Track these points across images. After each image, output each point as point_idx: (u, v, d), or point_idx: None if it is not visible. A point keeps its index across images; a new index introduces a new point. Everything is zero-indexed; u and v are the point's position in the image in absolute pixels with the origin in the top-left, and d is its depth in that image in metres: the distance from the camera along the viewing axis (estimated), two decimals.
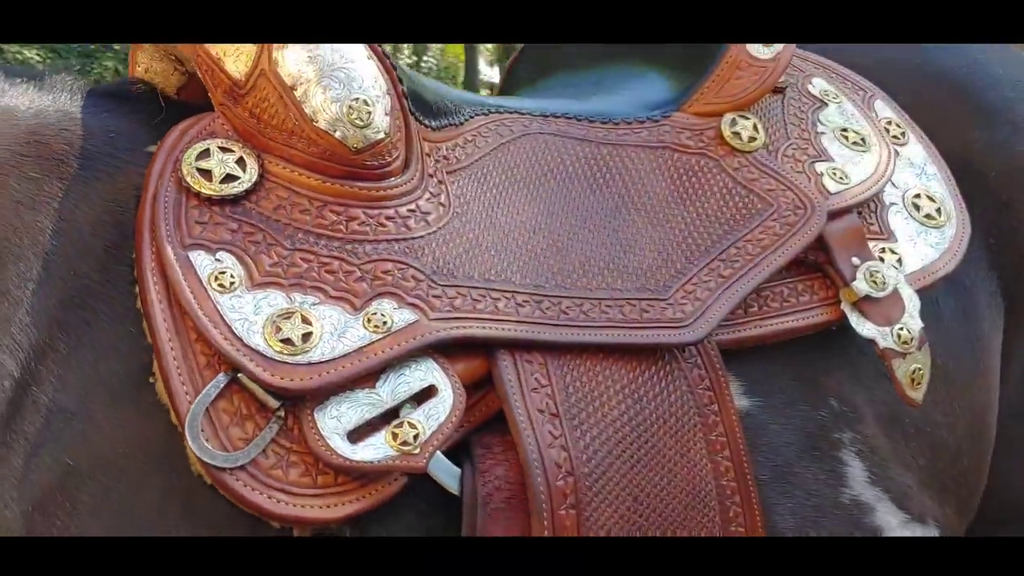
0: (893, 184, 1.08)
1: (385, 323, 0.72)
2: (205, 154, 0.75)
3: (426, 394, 0.72)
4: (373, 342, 0.71)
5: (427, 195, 0.81)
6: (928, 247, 1.05)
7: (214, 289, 0.69)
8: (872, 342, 0.95)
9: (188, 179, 0.73)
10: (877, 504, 0.99)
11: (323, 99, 0.75)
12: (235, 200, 0.74)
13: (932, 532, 1.04)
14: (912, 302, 0.98)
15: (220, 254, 0.71)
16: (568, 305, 0.82)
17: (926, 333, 1.08)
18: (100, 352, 0.70)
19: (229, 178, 0.75)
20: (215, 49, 0.77)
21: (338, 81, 0.76)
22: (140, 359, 0.70)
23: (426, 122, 0.86)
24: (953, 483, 1.08)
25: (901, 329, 0.96)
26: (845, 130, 1.08)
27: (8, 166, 0.73)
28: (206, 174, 0.74)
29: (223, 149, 0.76)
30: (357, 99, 0.76)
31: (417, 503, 0.75)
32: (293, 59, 0.75)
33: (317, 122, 0.75)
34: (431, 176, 0.83)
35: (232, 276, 0.70)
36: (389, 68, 0.81)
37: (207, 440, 0.65)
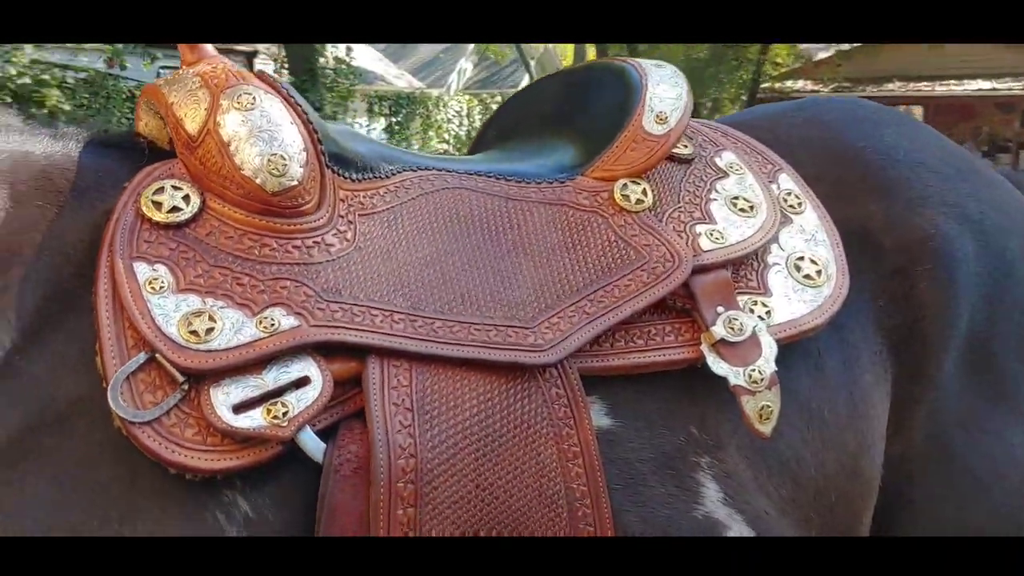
0: (780, 247, 1.25)
1: (273, 325, 0.93)
2: (160, 190, 0.99)
3: (302, 383, 0.93)
4: (261, 339, 0.92)
5: (334, 231, 1.03)
6: (801, 303, 1.20)
7: (147, 291, 0.92)
8: (726, 379, 1.11)
9: (144, 208, 0.97)
10: (730, 523, 1.13)
11: (249, 153, 0.98)
12: (177, 226, 0.98)
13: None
14: (770, 348, 1.14)
15: (157, 266, 0.94)
16: (439, 325, 1.02)
17: (805, 380, 1.23)
18: (68, 335, 0.94)
19: (175, 209, 0.98)
20: (179, 110, 1.01)
21: (263, 140, 0.99)
22: (95, 342, 0.93)
23: (345, 174, 1.09)
24: (817, 515, 1.21)
25: (754, 370, 1.11)
26: (736, 198, 1.25)
27: (23, 196, 0.99)
28: (159, 205, 0.98)
29: (175, 187, 0.99)
30: (276, 154, 0.99)
31: (298, 470, 0.95)
32: (231, 121, 0.99)
33: (244, 170, 0.98)
34: (342, 216, 1.05)
35: (163, 282, 0.93)
36: (311, 132, 1.04)
37: (125, 401, 0.88)
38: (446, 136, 18.18)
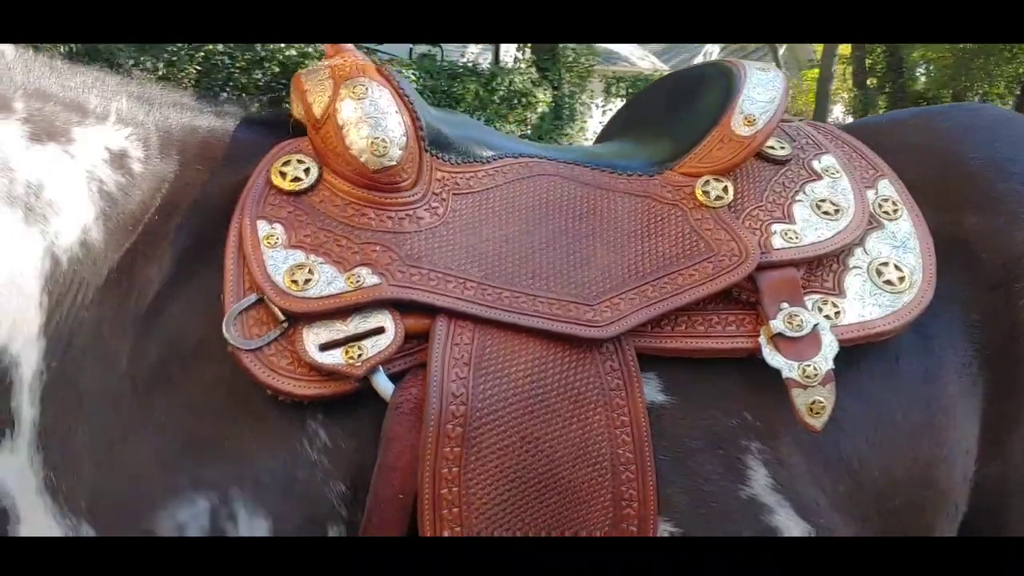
0: (865, 251, 1.28)
1: (359, 282, 1.11)
2: (288, 163, 1.19)
3: (378, 332, 1.10)
4: (347, 292, 1.10)
5: (426, 206, 1.20)
6: (876, 307, 1.23)
7: (264, 244, 1.13)
8: (771, 369, 1.17)
9: (272, 176, 1.18)
10: (777, 508, 1.19)
11: (357, 135, 1.16)
12: (297, 193, 1.18)
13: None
14: (830, 347, 1.19)
15: (275, 224, 1.15)
16: (507, 295, 1.15)
17: (879, 383, 1.26)
18: (201, 283, 1.15)
19: (297, 179, 1.18)
20: (311, 96, 1.21)
21: (369, 125, 1.17)
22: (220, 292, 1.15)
23: (444, 158, 1.24)
24: (879, 516, 1.24)
25: (809, 365, 1.17)
26: (823, 201, 1.29)
27: (188, 161, 1.22)
28: (284, 175, 1.18)
29: (299, 161, 1.20)
30: (379, 138, 1.16)
31: (371, 408, 1.12)
32: (346, 108, 1.17)
33: (351, 150, 1.16)
34: (436, 194, 1.21)
35: (278, 238, 1.13)
36: (413, 120, 1.20)
37: (236, 332, 1.09)
38: None
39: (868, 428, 1.24)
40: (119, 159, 1.17)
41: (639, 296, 1.18)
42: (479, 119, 16.86)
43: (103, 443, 1.04)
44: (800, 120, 1.48)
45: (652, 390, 1.20)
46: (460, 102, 14.73)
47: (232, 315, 1.09)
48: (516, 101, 15.82)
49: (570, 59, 13.37)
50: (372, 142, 1.16)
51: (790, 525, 1.20)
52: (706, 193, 1.27)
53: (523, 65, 15.56)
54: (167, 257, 1.15)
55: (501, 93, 15.33)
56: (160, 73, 10.24)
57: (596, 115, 17.95)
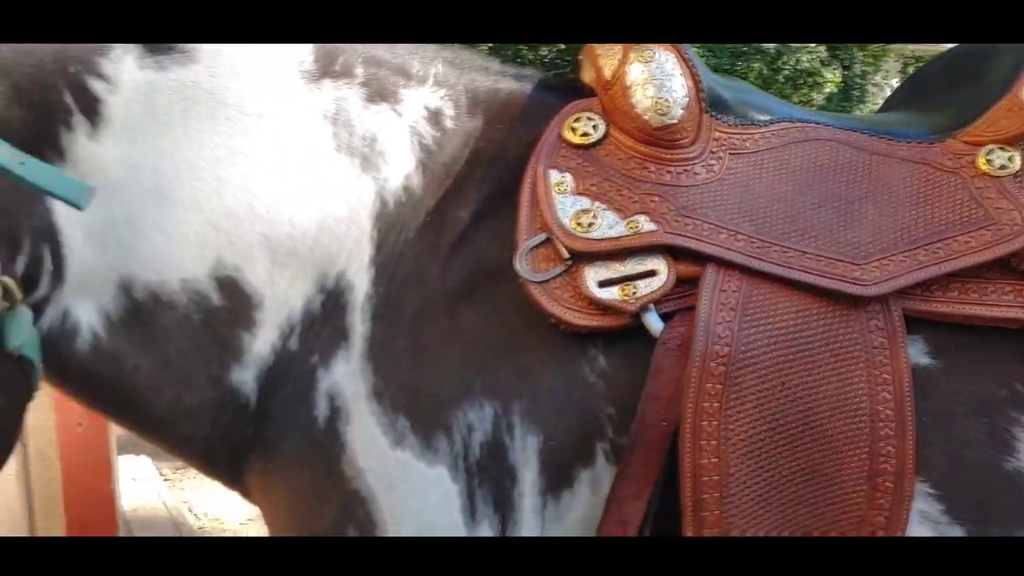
0: None
1: (636, 227, 1.22)
2: (578, 120, 1.32)
3: (652, 274, 1.21)
4: (626, 236, 1.22)
5: (703, 163, 1.28)
6: None
7: (555, 191, 1.26)
8: None
9: (564, 132, 1.31)
10: None
11: (642, 95, 1.27)
12: (586, 147, 1.30)
13: None
14: None
15: (565, 174, 1.28)
16: (775, 249, 1.22)
17: None
18: (501, 220, 1.31)
19: (586, 135, 1.31)
20: (601, 60, 1.33)
21: (655, 86, 1.27)
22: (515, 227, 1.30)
23: (724, 119, 1.32)
24: None
25: None
26: None
27: (491, 120, 1.38)
28: (575, 131, 1.31)
29: (589, 118, 1.32)
30: (663, 98, 1.26)
31: (644, 342, 1.23)
32: (634, 71, 1.28)
33: (636, 108, 1.27)
34: (713, 153, 1.29)
35: (567, 186, 1.27)
36: (696, 83, 1.29)
37: (527, 265, 1.24)
38: None
39: None
40: (435, 117, 1.35)
41: (909, 259, 1.20)
42: None
43: (418, 348, 1.23)
44: None
45: (918, 352, 1.21)
46: (743, 81, 14.35)
47: (524, 251, 1.24)
48: (802, 81, 15.18)
49: None
50: (656, 101, 1.27)
51: None
52: (989, 162, 1.26)
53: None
54: (473, 201, 1.31)
55: (786, 72, 14.77)
56: None
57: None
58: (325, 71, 1.32)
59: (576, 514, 1.22)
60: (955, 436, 1.20)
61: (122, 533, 3.37)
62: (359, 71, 1.35)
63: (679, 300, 1.22)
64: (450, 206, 1.30)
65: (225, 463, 1.33)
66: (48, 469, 2.75)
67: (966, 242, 1.20)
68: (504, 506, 1.21)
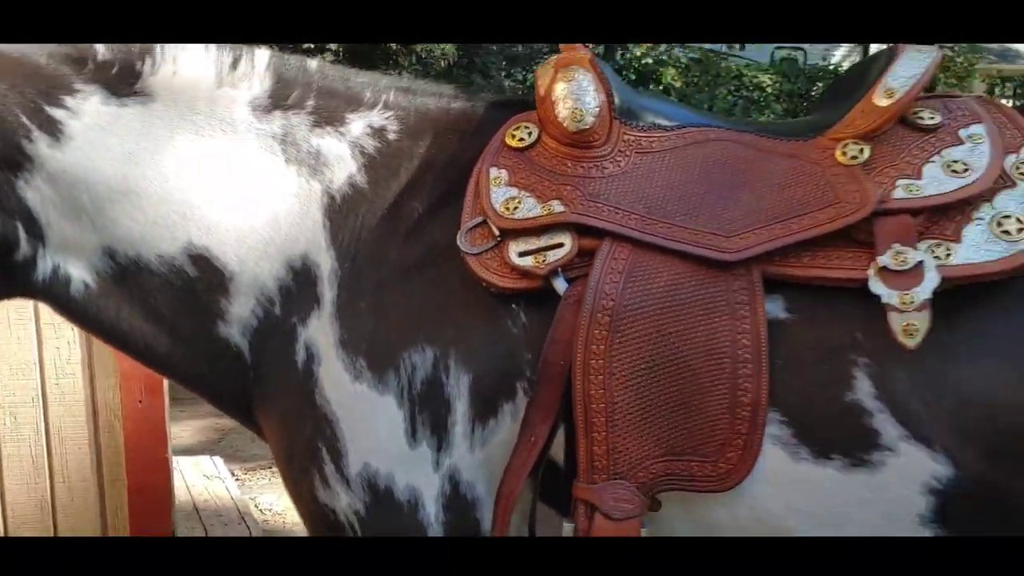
0: (992, 205, 1.48)
1: (550, 210, 1.54)
2: (519, 128, 1.66)
3: (559, 246, 1.53)
4: (541, 216, 1.54)
5: (611, 160, 1.60)
6: (987, 252, 1.43)
7: (492, 184, 1.60)
8: (879, 298, 1.42)
9: (506, 138, 1.65)
10: (877, 413, 1.45)
11: (563, 107, 1.60)
12: (521, 150, 1.64)
13: (937, 457, 1.43)
14: (931, 281, 1.41)
15: (502, 170, 1.61)
16: (661, 226, 1.52)
17: (995, 321, 1.45)
18: (452, 208, 1.65)
19: (522, 140, 1.64)
20: (539, 79, 1.66)
21: (573, 99, 1.59)
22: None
23: (633, 125, 1.63)
24: (980, 434, 1.42)
25: (906, 294, 1.41)
26: (956, 162, 1.50)
27: (442, 134, 1.72)
28: (514, 136, 1.65)
29: (526, 127, 1.66)
30: (578, 108, 1.59)
31: (554, 302, 1.54)
32: (559, 88, 1.61)
33: (559, 118, 1.60)
34: (621, 152, 1.61)
35: (502, 180, 1.60)
36: (608, 97, 1.61)
37: (466, 241, 1.57)
38: None
39: (981, 358, 1.43)
40: (379, 132, 1.71)
41: (768, 232, 1.49)
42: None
43: (376, 308, 1.58)
44: (973, 96, 1.66)
45: (776, 308, 1.49)
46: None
47: (464, 230, 1.58)
48: None
49: (946, 59, 12.54)
50: (573, 112, 1.59)
51: (888, 428, 1.43)
52: (844, 153, 1.54)
53: None
54: (427, 196, 1.66)
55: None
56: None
57: None
58: (276, 104, 1.70)
59: (499, 437, 1.55)
60: (805, 375, 1.47)
61: (194, 524, 3.87)
62: (309, 103, 1.72)
63: (582, 268, 1.53)
64: (406, 200, 1.65)
65: (232, 402, 1.73)
66: (114, 438, 3.31)
67: (815, 217, 1.48)
68: (440, 429, 1.54)
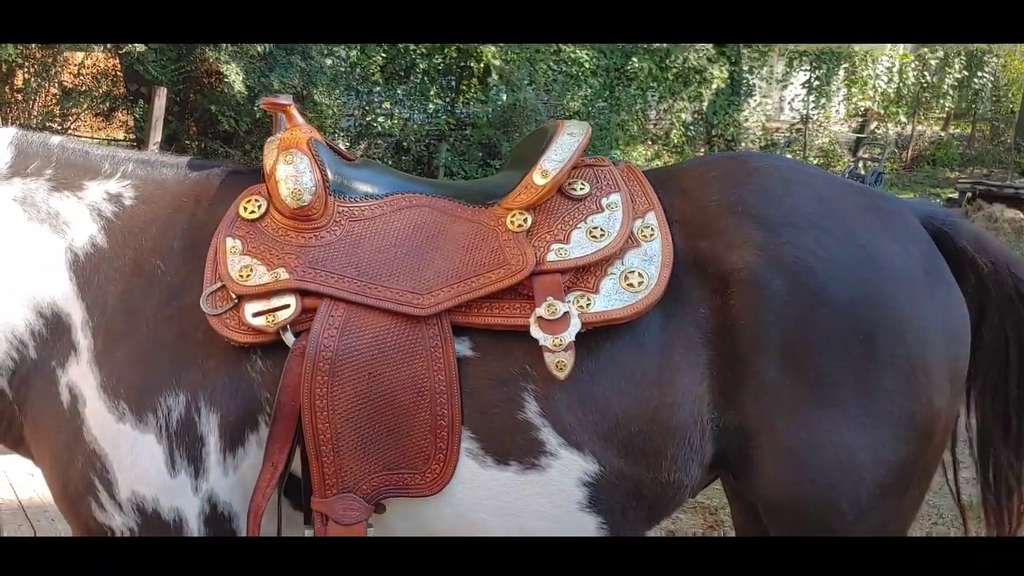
0: (622, 263, 1.89)
1: (277, 277, 1.86)
2: (250, 200, 1.96)
3: (286, 307, 1.85)
4: (270, 282, 1.85)
5: (328, 230, 1.92)
6: (618, 301, 1.85)
7: (229, 253, 1.89)
8: (537, 341, 1.82)
9: (239, 209, 1.95)
10: (542, 427, 1.85)
11: (284, 187, 1.91)
12: (252, 221, 1.94)
13: (587, 458, 1.85)
14: (575, 326, 1.82)
15: (236, 240, 1.91)
16: (371, 287, 1.86)
17: (628, 352, 1.87)
18: (193, 269, 1.94)
19: (253, 212, 1.94)
20: (267, 158, 1.96)
21: (292, 180, 1.91)
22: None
23: (347, 198, 1.96)
24: (619, 439, 1.85)
25: (557, 338, 1.81)
26: (596, 228, 1.91)
27: (183, 202, 2.00)
28: (247, 208, 1.95)
29: (256, 200, 1.96)
30: (297, 188, 1.90)
31: (285, 352, 1.86)
32: (280, 168, 1.92)
33: (281, 194, 1.91)
34: (336, 222, 1.94)
35: (237, 249, 1.90)
36: (323, 177, 1.93)
37: (208, 304, 1.86)
38: (870, 93, 17.49)
39: (616, 381, 1.86)
40: (115, 198, 1.98)
41: (454, 289, 1.86)
42: (653, 97, 16.79)
43: (132, 355, 1.85)
44: (618, 163, 2.09)
45: (464, 348, 1.87)
46: (633, 80, 15.08)
47: (206, 294, 1.87)
48: (691, 78, 15.92)
49: None
50: (293, 191, 1.91)
51: (550, 438, 1.84)
52: (512, 222, 1.93)
53: None
54: (168, 255, 1.93)
55: (675, 70, 15.49)
56: (352, 59, 11.44)
57: (776, 91, 17.71)
58: (16, 172, 1.96)
59: (248, 462, 1.86)
60: (487, 401, 1.86)
61: (20, 522, 3.90)
62: (48, 172, 1.98)
63: (306, 324, 1.86)
64: (146, 257, 1.92)
65: (2, 434, 1.98)
66: None
67: (489, 277, 1.87)
68: (196, 460, 1.84)
